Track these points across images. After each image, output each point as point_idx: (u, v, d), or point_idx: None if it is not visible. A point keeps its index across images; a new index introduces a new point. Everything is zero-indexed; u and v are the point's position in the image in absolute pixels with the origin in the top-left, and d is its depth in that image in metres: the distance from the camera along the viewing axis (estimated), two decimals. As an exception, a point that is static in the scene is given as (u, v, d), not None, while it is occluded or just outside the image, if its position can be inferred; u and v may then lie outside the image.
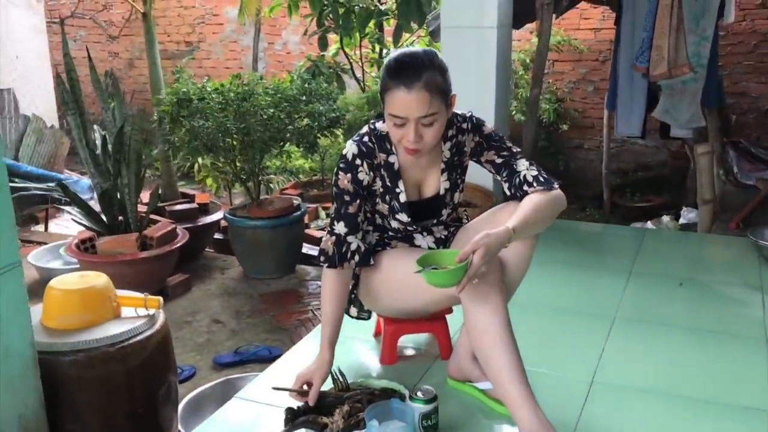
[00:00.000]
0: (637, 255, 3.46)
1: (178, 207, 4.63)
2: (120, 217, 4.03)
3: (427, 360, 2.41)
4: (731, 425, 2.05)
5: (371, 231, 2.22)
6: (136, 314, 2.31)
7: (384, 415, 1.85)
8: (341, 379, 2.10)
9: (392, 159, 2.09)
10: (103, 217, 4.02)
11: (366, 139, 2.08)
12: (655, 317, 2.77)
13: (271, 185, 6.17)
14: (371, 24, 5.06)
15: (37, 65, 6.25)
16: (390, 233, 2.21)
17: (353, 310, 2.34)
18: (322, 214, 5.35)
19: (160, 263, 3.90)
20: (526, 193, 2.01)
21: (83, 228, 4.09)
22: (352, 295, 2.30)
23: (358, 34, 5.06)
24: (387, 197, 2.12)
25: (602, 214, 5.66)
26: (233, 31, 7.88)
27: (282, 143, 4.24)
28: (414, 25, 4.85)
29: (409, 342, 2.51)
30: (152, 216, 4.20)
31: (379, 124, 2.09)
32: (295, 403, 2.00)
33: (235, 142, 4.15)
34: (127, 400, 2.21)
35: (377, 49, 5.44)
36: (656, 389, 2.23)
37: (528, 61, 6.07)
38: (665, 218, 5.03)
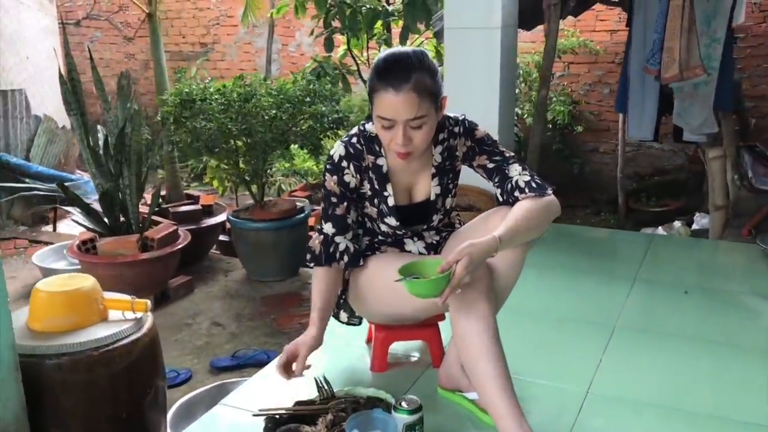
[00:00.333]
0: (643, 262, 3.37)
1: (182, 208, 4.62)
2: (122, 218, 4.01)
3: (418, 368, 2.36)
4: (733, 442, 1.97)
5: (362, 234, 2.18)
6: (123, 317, 2.28)
7: (366, 425, 1.80)
8: (326, 387, 2.05)
9: (381, 161, 2.04)
10: (105, 218, 4.01)
11: (354, 140, 2.04)
12: (658, 326, 2.69)
13: (282, 187, 6.16)
14: (378, 25, 5.01)
15: (48, 66, 6.26)
16: (380, 237, 2.17)
17: (343, 315, 2.30)
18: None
19: (161, 265, 3.87)
20: (517, 200, 1.94)
21: (84, 229, 4.09)
22: (342, 300, 2.25)
23: (365, 36, 5.01)
24: (375, 200, 2.08)
25: (617, 218, 5.57)
26: (247, 32, 7.87)
27: (286, 145, 4.21)
28: (422, 27, 4.80)
29: (401, 349, 2.45)
30: (155, 217, 4.18)
31: (368, 126, 2.05)
32: (277, 413, 1.95)
33: (239, 143, 4.12)
34: (111, 404, 2.18)
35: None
36: (655, 402, 2.15)
37: (542, 63, 5.99)
38: (677, 224, 4.91)
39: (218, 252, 4.90)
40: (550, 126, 6.11)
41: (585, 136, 6.32)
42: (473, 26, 3.59)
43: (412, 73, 1.82)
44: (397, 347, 2.42)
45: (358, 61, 5.35)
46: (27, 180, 5.50)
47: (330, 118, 4.12)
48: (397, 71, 1.83)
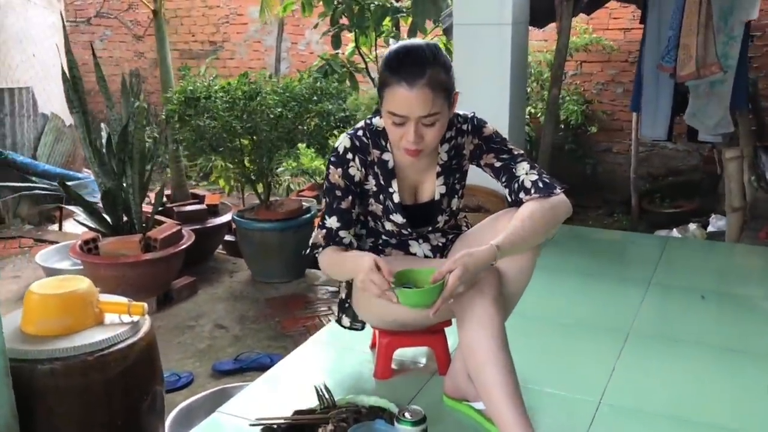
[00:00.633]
0: (657, 265, 3.27)
1: (187, 208, 4.55)
2: (125, 218, 3.96)
3: (423, 375, 2.28)
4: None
5: (364, 236, 2.10)
6: (119, 321, 2.21)
7: (367, 436, 1.73)
8: (327, 396, 1.98)
9: (386, 156, 1.97)
10: (107, 218, 3.95)
11: (360, 133, 1.97)
12: (673, 333, 2.59)
13: (290, 186, 6.09)
14: (387, 21, 4.93)
15: (54, 64, 6.21)
16: (384, 238, 2.09)
17: (346, 320, 2.23)
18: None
19: (164, 265, 3.81)
20: (522, 202, 1.86)
21: (87, 228, 4.03)
22: (346, 304, 2.19)
23: (373, 33, 4.93)
24: (381, 197, 2.00)
25: (630, 219, 5.47)
26: (257, 31, 7.82)
27: (292, 144, 4.13)
28: (431, 23, 4.72)
29: (406, 355, 2.37)
30: (158, 217, 4.12)
31: (375, 120, 1.98)
32: (275, 423, 1.88)
33: (245, 141, 4.06)
34: (107, 411, 2.12)
35: (393, 48, 5.31)
36: (670, 413, 2.06)
37: (553, 61, 5.89)
38: (692, 226, 4.81)
39: (224, 252, 4.84)
40: (563, 126, 6.02)
41: (598, 136, 6.22)
42: (483, 23, 3.51)
43: (426, 68, 1.74)
44: (402, 353, 2.34)
45: (367, 59, 5.27)
46: (34, 179, 5.46)
47: (337, 117, 4.05)
48: (410, 65, 1.75)
